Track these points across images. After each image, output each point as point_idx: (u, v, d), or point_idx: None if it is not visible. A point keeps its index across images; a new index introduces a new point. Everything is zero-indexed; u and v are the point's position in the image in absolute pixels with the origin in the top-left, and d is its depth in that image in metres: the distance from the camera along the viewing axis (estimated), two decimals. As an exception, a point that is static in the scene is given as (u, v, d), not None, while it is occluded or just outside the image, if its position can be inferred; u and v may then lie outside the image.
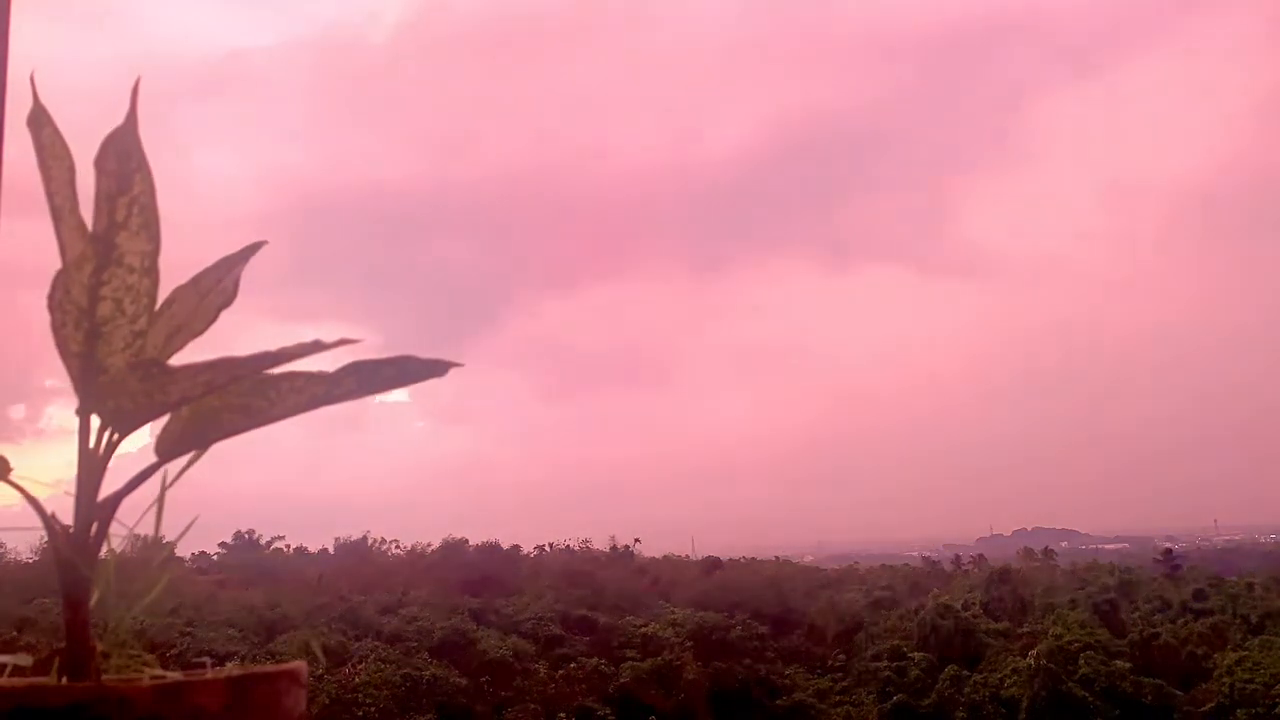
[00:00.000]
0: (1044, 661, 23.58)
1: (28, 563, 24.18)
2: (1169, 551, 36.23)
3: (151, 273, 0.76)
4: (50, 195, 0.77)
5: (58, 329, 0.74)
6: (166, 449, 0.77)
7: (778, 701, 25.72)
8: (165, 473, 0.78)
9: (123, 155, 0.75)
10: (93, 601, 0.75)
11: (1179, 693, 23.37)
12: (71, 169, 0.77)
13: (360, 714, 20.03)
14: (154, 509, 0.80)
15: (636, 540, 36.32)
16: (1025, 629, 26.94)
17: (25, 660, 0.73)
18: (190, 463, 0.79)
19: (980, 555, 40.00)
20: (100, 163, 0.75)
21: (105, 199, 0.75)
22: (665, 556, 37.43)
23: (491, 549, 33.73)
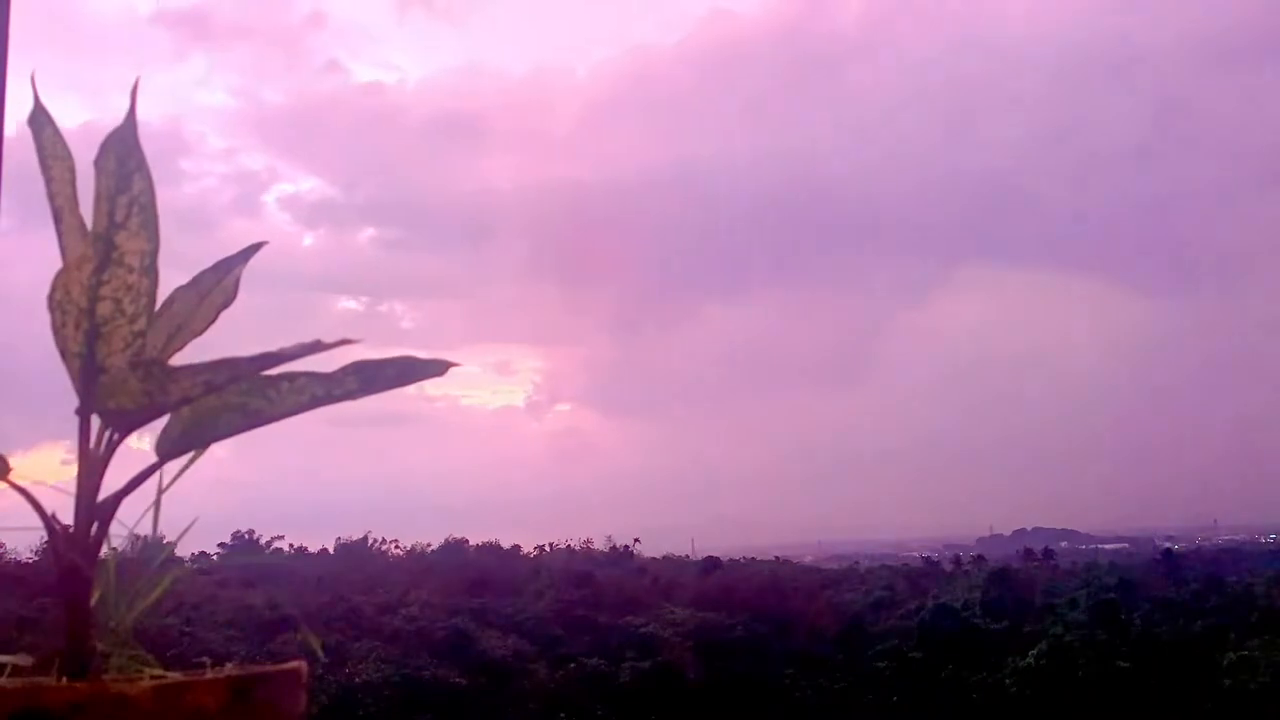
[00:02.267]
0: (1044, 661, 23.59)
1: (28, 563, 24.16)
2: (1169, 551, 36.22)
3: (151, 272, 0.76)
4: (51, 195, 0.77)
5: (58, 329, 0.74)
6: (166, 449, 0.77)
7: (778, 702, 25.73)
8: (161, 474, 0.78)
9: (122, 155, 0.76)
10: (93, 601, 0.75)
11: (1179, 693, 23.38)
12: (72, 169, 0.77)
13: (360, 714, 20.04)
14: (164, 509, 0.80)
15: (636, 540, 36.30)
16: (1025, 629, 26.95)
17: (25, 660, 0.73)
18: (189, 463, 0.79)
19: (980, 555, 39.98)
20: (100, 162, 0.75)
21: (105, 199, 0.75)
22: (665, 556, 37.42)
23: (492, 549, 33.74)
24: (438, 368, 0.75)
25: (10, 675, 0.72)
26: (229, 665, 0.74)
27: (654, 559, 36.46)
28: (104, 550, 0.76)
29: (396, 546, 34.35)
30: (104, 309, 0.75)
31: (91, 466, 0.75)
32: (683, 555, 38.23)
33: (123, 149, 0.76)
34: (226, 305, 0.84)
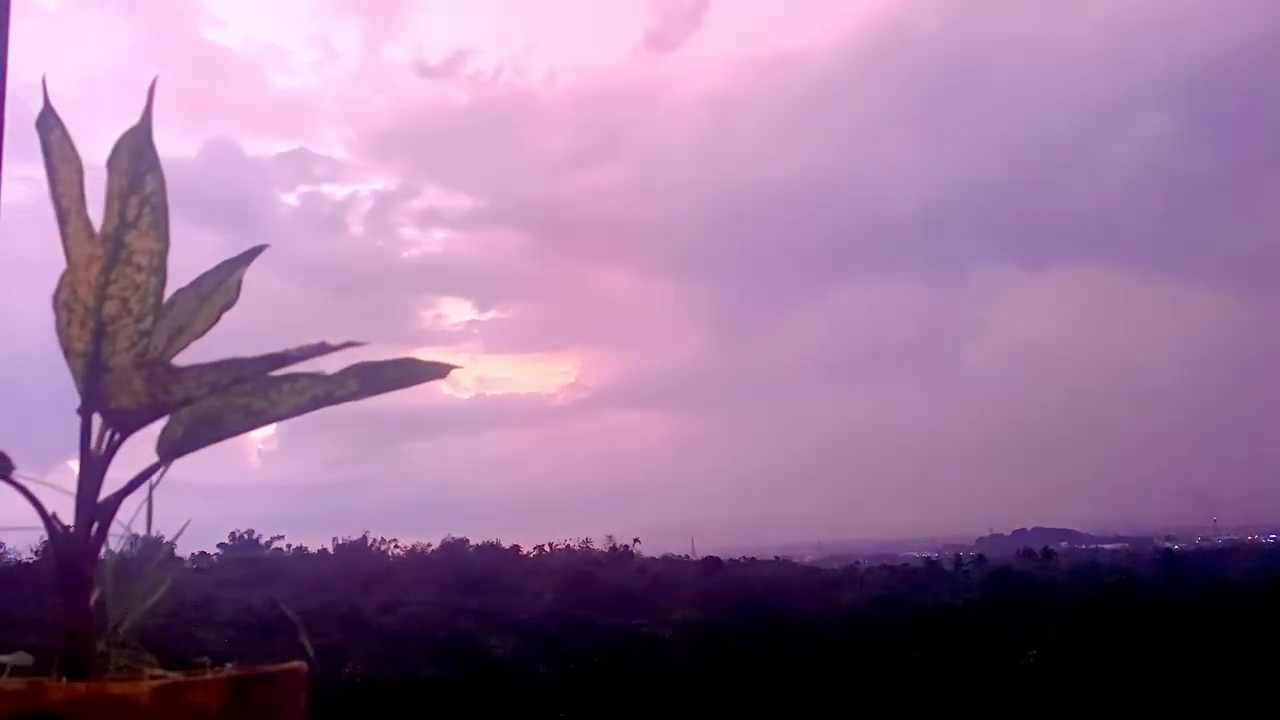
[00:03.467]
0: (1043, 661, 23.63)
1: (28, 563, 24.16)
2: (1169, 551, 36.20)
3: (159, 272, 0.77)
4: (57, 197, 0.77)
5: (62, 328, 0.75)
6: (168, 449, 0.77)
7: (778, 701, 25.76)
8: (153, 476, 0.78)
9: (136, 154, 0.76)
10: (93, 601, 0.75)
11: (1179, 693, 23.41)
12: (80, 170, 0.78)
13: (359, 714, 20.05)
14: (165, 509, 0.80)
15: (636, 540, 36.32)
16: (1025, 629, 26.99)
17: (25, 660, 0.74)
18: (167, 466, 0.79)
19: (980, 555, 39.98)
20: (113, 162, 0.76)
21: (117, 198, 0.75)
22: (665, 556, 37.43)
23: (491, 549, 33.75)
24: (439, 370, 0.76)
25: (10, 675, 0.72)
26: (229, 665, 0.74)
27: (654, 559, 36.44)
28: (104, 550, 0.76)
29: (396, 546, 34.36)
30: (111, 308, 0.75)
31: (92, 466, 0.76)
32: (683, 555, 38.22)
33: (136, 149, 0.76)
34: (229, 307, 0.85)
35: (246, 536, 35.04)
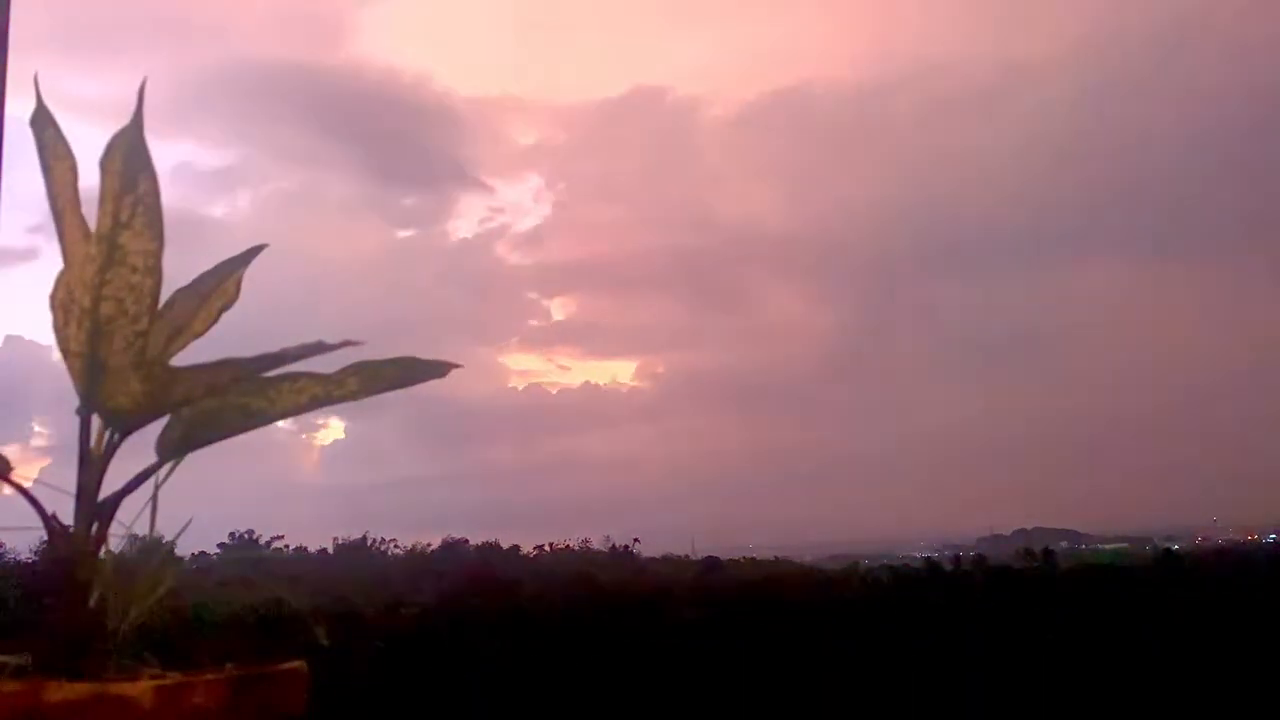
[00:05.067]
0: (1042, 662, 23.61)
1: (28, 563, 24.14)
2: (1169, 551, 36.17)
3: (154, 272, 0.76)
4: (52, 196, 0.77)
5: (59, 329, 0.75)
6: (167, 450, 0.77)
7: (779, 702, 25.74)
8: (158, 475, 0.78)
9: (128, 155, 0.75)
10: (93, 601, 0.75)
11: (1180, 695, 23.38)
12: (74, 169, 0.77)
13: (358, 714, 20.04)
14: (162, 509, 0.80)
15: (636, 540, 36.29)
16: (1025, 629, 26.95)
17: (25, 660, 0.73)
18: (175, 464, 0.79)
19: (980, 555, 39.91)
20: (105, 162, 0.75)
21: (110, 198, 0.75)
22: (665, 556, 37.36)
23: (491, 549, 33.73)
24: (439, 369, 0.76)
25: (10, 675, 0.71)
26: (229, 665, 0.74)
27: (654, 559, 36.36)
28: (104, 550, 0.76)
29: (396, 546, 34.31)
30: (107, 309, 0.75)
31: (92, 466, 0.75)
32: (683, 555, 38.14)
33: (129, 149, 0.76)
34: (228, 307, 0.85)
35: (246, 536, 34.96)
